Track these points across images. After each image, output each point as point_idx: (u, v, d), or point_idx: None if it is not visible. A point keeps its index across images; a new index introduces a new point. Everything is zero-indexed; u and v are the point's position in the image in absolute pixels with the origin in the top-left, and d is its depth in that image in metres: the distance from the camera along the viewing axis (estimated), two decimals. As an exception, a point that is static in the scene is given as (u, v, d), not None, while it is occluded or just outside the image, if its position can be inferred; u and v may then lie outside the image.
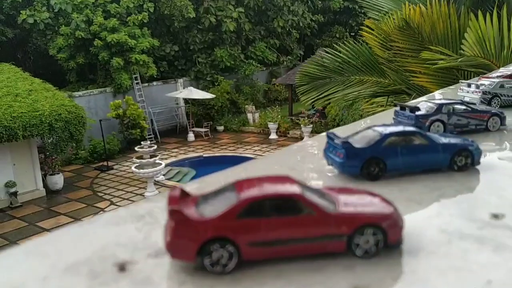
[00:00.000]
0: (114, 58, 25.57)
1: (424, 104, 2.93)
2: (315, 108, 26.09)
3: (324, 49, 8.69)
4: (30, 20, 25.40)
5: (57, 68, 28.00)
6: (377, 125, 2.24)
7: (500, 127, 2.95)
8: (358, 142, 2.15)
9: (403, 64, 6.46)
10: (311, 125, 26.13)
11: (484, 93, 3.43)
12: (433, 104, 2.87)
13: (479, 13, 5.57)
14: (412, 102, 3.88)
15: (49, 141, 18.68)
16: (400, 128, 2.22)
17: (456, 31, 6.19)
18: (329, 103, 7.59)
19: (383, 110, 7.96)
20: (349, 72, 7.21)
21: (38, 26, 25.75)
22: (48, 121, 18.11)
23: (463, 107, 2.89)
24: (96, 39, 25.48)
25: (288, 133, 27.53)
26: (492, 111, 2.95)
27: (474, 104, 3.27)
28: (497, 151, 2.68)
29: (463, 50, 5.59)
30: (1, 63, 21.66)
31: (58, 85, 25.88)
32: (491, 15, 5.60)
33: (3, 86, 19.00)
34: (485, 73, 5.77)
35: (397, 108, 2.97)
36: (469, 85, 3.54)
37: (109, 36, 25.23)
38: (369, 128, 2.22)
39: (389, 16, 6.65)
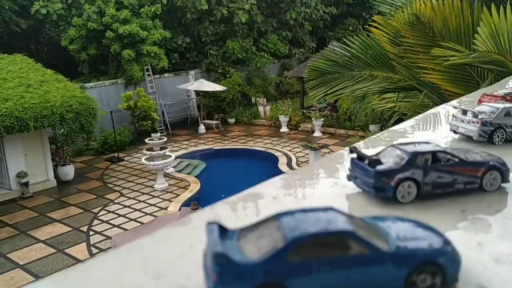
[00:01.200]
0: (125, 49, 25.58)
1: (392, 151, 2.04)
2: (326, 101, 25.90)
3: (333, 43, 8.47)
4: (43, 11, 25.49)
5: (70, 59, 28.10)
6: (288, 212, 1.38)
7: (501, 185, 2.05)
8: (247, 251, 1.29)
9: (414, 60, 6.28)
10: (323, 119, 25.94)
11: (483, 124, 2.68)
12: (403, 153, 1.98)
13: (492, 6, 5.34)
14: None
15: (60, 132, 18.77)
16: (320, 227, 1.30)
17: (470, 26, 5.97)
18: (341, 97, 7.43)
19: (394, 105, 7.84)
20: (359, 67, 7.04)
21: (51, 17, 25.84)
22: (59, 112, 18.17)
23: (448, 156, 2.02)
24: (108, 31, 25.49)
25: (299, 126, 27.37)
26: (490, 163, 2.04)
27: (466, 150, 2.34)
28: (492, 243, 1.56)
29: (476, 46, 5.38)
30: (14, 54, 21.78)
31: (71, 76, 26.01)
32: (505, 8, 5.38)
33: (15, 77, 19.11)
34: (500, 71, 5.59)
35: (354, 156, 2.08)
36: (464, 112, 2.79)
37: (121, 27, 25.23)
38: (275, 218, 1.37)
39: (396, 9, 6.46)
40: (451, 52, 5.33)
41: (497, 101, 3.28)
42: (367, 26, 7.72)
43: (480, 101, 3.39)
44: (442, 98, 6.10)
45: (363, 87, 6.85)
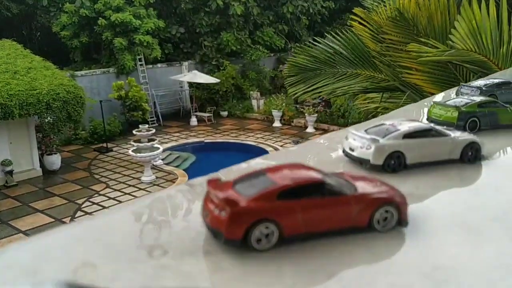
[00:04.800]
0: (116, 38, 25.12)
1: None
2: (321, 97, 25.57)
3: (319, 39, 8.03)
4: (33, -4, 25.02)
5: (63, 46, 27.65)
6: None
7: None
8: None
9: (396, 59, 5.92)
10: (316, 115, 25.61)
11: None
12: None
13: (474, 1, 4.94)
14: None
15: (46, 120, 18.39)
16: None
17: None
18: (321, 95, 7.09)
19: (377, 106, 7.50)
20: (341, 65, 6.68)
21: (41, 2, 25.34)
22: (45, 100, 17.80)
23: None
24: (100, 18, 25.03)
25: (292, 121, 27.04)
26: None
27: None
28: None
29: (453, 42, 4.99)
30: (3, 39, 21.34)
31: (63, 64, 25.63)
32: (487, 4, 4.97)
33: (2, 63, 18.70)
34: (484, 73, 5.21)
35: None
36: None
37: (114, 15, 24.77)
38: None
39: (379, 3, 6.09)
40: (426, 48, 4.96)
41: None
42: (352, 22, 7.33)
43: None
44: (426, 99, 5.76)
45: (344, 85, 6.50)
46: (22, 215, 15.93)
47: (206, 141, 24.42)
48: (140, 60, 26.76)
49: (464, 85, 3.17)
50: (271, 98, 28.50)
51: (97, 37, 26.17)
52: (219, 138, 24.86)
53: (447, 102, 2.65)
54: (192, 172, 19.92)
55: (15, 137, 19.06)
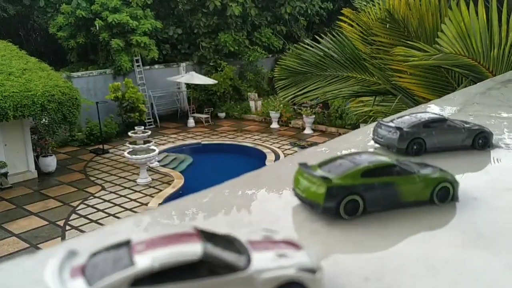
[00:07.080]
0: (113, 39, 25.00)
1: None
2: (318, 98, 25.36)
3: (309, 42, 7.83)
4: (30, -3, 24.90)
5: (59, 47, 27.54)
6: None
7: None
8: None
9: (387, 62, 5.77)
10: (314, 116, 25.47)
11: None
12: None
13: (462, 2, 4.77)
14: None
15: (41, 122, 18.26)
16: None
17: (448, 26, 5.49)
18: (313, 99, 6.98)
19: (370, 109, 7.36)
20: (332, 67, 6.54)
21: (38, 3, 25.23)
22: (40, 102, 17.66)
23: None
24: (97, 19, 24.91)
25: (290, 122, 26.91)
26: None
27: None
28: None
29: (440, 46, 4.82)
30: (-1, 41, 21.21)
31: (60, 65, 25.54)
32: (476, 5, 4.79)
33: (-3, 64, 18.57)
34: (475, 77, 5.06)
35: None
36: None
37: (110, 16, 24.64)
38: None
39: (367, 2, 5.97)
40: (413, 51, 4.80)
41: None
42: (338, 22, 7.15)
43: None
44: (417, 103, 5.63)
45: (334, 89, 6.35)
46: (16, 218, 15.79)
47: (203, 142, 24.28)
48: (137, 61, 26.64)
49: (382, 123, 2.27)
50: (269, 99, 28.36)
51: (94, 38, 26.06)
52: (216, 140, 24.71)
53: (318, 171, 1.73)
54: (189, 174, 19.79)
55: (9, 139, 18.93)
